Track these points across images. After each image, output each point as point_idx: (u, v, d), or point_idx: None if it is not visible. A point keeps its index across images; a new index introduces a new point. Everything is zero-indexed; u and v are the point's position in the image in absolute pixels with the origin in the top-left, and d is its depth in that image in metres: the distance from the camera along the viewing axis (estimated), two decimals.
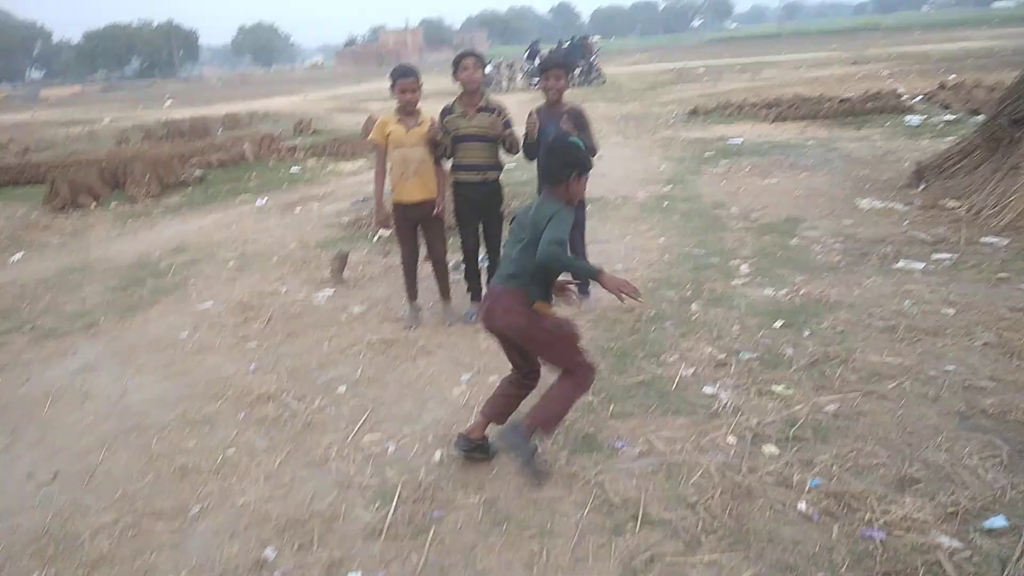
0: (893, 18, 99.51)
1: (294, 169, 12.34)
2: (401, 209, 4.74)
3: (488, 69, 27.96)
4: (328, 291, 5.75)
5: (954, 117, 11.57)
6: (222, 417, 3.81)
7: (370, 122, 15.79)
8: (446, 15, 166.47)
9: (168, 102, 35.78)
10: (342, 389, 4.03)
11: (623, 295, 2.72)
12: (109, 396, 4.16)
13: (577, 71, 27.17)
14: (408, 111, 4.60)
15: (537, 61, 26.75)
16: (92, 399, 4.15)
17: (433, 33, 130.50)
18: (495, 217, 4.89)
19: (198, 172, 11.80)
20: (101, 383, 4.36)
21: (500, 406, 3.13)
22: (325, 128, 18.66)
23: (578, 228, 4.72)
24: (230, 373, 4.37)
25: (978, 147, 6.94)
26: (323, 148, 13.95)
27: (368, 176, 11.22)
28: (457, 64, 4.62)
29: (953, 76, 16.92)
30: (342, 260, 5.94)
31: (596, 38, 31.60)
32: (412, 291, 4.97)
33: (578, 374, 2.97)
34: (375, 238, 7.16)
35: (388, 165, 4.71)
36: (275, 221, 8.62)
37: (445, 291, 5.00)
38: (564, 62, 4.93)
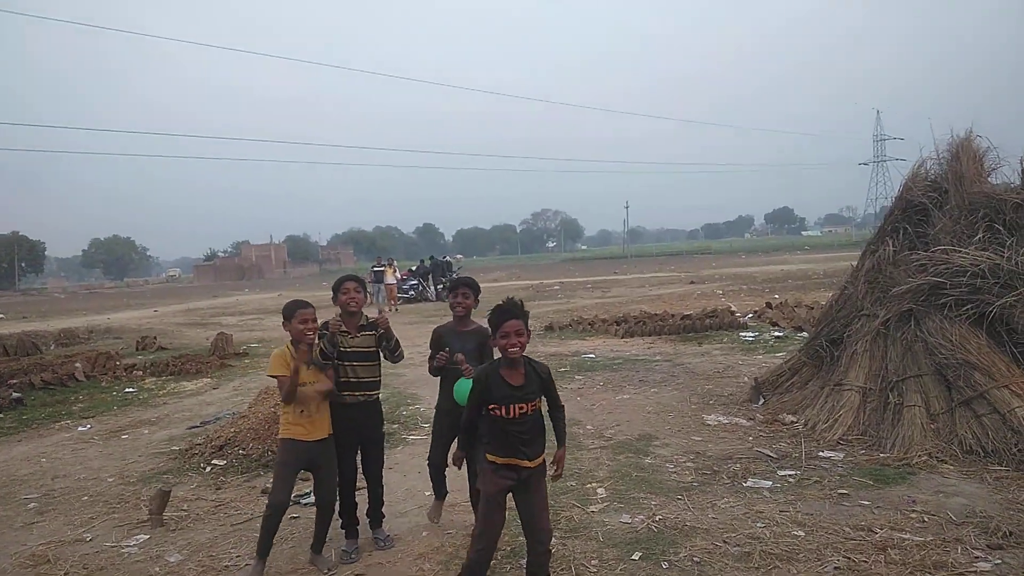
0: (721, 243, 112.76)
1: (129, 390, 11.40)
2: (294, 447, 4.26)
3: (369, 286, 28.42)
4: (142, 537, 5.00)
5: (782, 333, 12.65)
6: None
7: (221, 338, 15.19)
8: (311, 231, 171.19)
9: None
10: None
11: None
12: None
13: (439, 287, 28.22)
14: (308, 343, 4.33)
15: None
16: None
17: (298, 248, 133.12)
18: (376, 441, 4.69)
19: (15, 394, 10.64)
20: None
21: None
22: (172, 344, 17.74)
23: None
24: None
25: (805, 364, 7.48)
26: (165, 366, 13.11)
27: (209, 397, 10.56)
28: (338, 287, 4.62)
29: (776, 296, 18.87)
30: (162, 498, 5.23)
31: (458, 256, 33.33)
32: (267, 546, 4.21)
33: None
34: (207, 468, 6.49)
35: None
36: (96, 450, 7.70)
37: (321, 542, 4.43)
38: (473, 282, 4.93)
